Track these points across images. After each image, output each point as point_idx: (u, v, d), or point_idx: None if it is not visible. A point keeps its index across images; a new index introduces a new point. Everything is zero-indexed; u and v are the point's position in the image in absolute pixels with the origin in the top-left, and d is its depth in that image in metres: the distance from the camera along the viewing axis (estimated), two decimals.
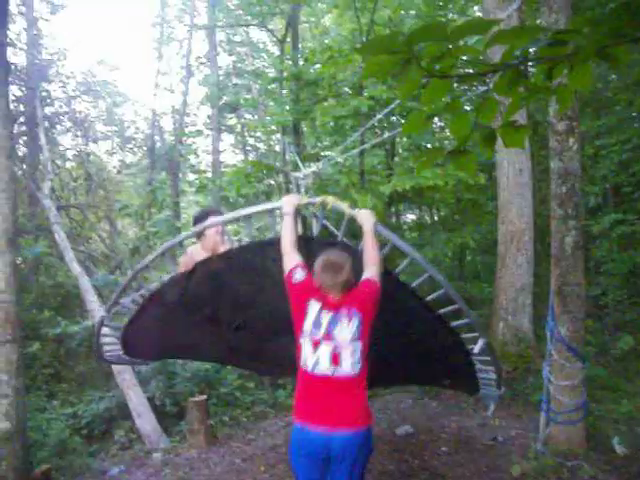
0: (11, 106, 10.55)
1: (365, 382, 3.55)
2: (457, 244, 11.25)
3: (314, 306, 3.54)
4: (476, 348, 4.34)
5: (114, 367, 9.12)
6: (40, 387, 9.85)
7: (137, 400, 8.71)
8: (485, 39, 1.57)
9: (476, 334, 4.25)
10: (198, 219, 5.32)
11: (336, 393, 3.45)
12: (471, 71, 1.73)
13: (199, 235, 5.39)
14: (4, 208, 6.36)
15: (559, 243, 5.51)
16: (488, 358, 4.51)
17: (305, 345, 3.51)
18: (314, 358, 3.47)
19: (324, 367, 3.45)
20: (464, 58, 1.62)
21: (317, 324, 3.49)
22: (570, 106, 4.98)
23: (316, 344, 3.47)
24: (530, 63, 1.70)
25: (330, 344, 3.46)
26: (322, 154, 12.78)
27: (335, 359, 3.45)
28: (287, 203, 3.87)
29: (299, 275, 3.61)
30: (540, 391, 6.24)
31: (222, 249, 4.74)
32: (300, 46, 13.79)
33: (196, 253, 5.08)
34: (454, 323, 4.25)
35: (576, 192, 5.41)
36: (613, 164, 10.36)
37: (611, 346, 9.14)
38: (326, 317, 3.50)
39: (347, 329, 3.48)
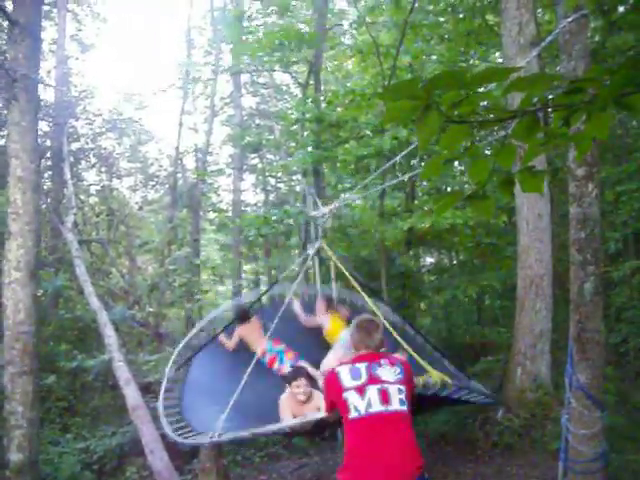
0: (39, 141, 10.80)
1: (412, 424, 3.54)
2: (479, 286, 11.21)
3: (343, 368, 3.63)
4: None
5: (129, 402, 9.10)
6: (54, 420, 9.84)
7: (150, 436, 8.65)
8: (504, 86, 1.62)
9: None
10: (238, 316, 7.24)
11: (391, 434, 3.40)
12: (489, 117, 1.76)
13: (243, 320, 7.26)
14: (28, 241, 6.48)
15: (578, 289, 5.47)
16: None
17: (350, 397, 3.49)
18: (365, 402, 3.44)
19: (376, 406, 3.42)
20: (483, 104, 1.66)
21: (355, 374, 3.55)
22: (588, 153, 5.00)
23: (362, 390, 3.47)
24: (549, 110, 1.73)
25: (376, 385, 3.48)
26: (342, 196, 12.88)
27: (385, 396, 3.44)
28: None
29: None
30: (558, 439, 6.12)
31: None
32: (323, 88, 14.00)
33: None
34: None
35: (595, 238, 5.38)
36: (634, 210, 10.31)
37: (631, 395, 8.97)
38: (362, 366, 3.57)
39: (390, 371, 3.55)
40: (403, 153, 6.31)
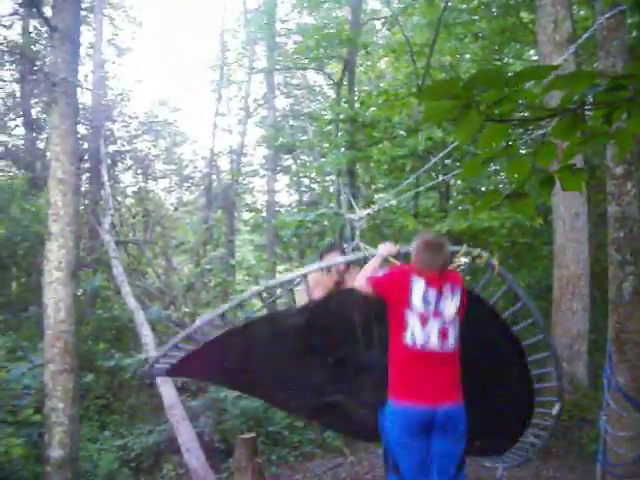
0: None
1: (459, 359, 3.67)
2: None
3: (419, 282, 3.59)
4: (554, 410, 4.42)
5: (165, 401, 9.21)
6: (92, 417, 9.98)
7: (186, 435, 8.74)
8: (543, 84, 1.61)
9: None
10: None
11: (440, 367, 3.55)
12: (529, 115, 1.76)
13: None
14: (69, 241, 6.60)
15: (617, 289, 5.39)
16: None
17: (412, 321, 3.54)
18: (424, 335, 3.52)
19: (434, 343, 3.53)
20: (521, 102, 1.65)
21: (426, 300, 3.56)
22: (629, 151, 4.93)
23: (425, 321, 3.53)
24: (588, 107, 1.72)
25: (438, 320, 3.54)
26: (376, 197, 12.86)
27: (444, 334, 3.54)
28: (383, 249, 4.04)
29: (378, 276, 3.75)
30: (596, 442, 6.04)
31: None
32: (356, 89, 14.00)
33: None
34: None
35: (634, 237, 5.31)
36: None
37: None
38: (432, 293, 3.57)
39: (451, 304, 3.59)
40: (440, 155, 6.27)
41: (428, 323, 3.51)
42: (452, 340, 3.55)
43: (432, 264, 3.59)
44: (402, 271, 3.69)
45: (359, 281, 3.80)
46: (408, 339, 3.53)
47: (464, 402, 3.62)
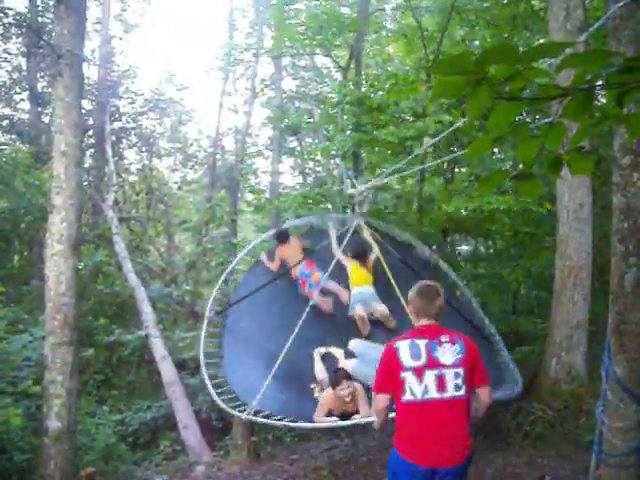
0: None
1: (469, 406, 3.56)
2: (516, 280, 11.07)
3: (403, 343, 3.57)
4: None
5: (164, 378, 9.25)
6: (91, 392, 10.05)
7: (184, 412, 8.80)
8: (555, 65, 1.58)
9: None
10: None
11: (442, 419, 3.46)
12: (539, 94, 1.73)
13: (282, 241, 7.99)
14: (70, 214, 6.59)
15: (618, 280, 5.36)
16: None
17: (408, 378, 3.49)
18: (422, 387, 3.47)
19: (432, 392, 3.46)
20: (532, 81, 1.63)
21: (415, 353, 3.51)
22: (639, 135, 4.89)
23: (420, 373, 3.48)
24: (599, 90, 1.69)
25: (434, 370, 3.48)
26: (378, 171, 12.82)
27: (441, 382, 3.47)
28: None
29: (376, 380, 3.71)
30: (591, 432, 6.04)
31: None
32: (363, 73, 13.89)
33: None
34: None
35: (639, 228, 5.28)
36: None
37: None
38: (422, 343, 3.54)
39: (450, 351, 3.52)
40: (443, 134, 6.25)
41: (424, 374, 3.49)
42: (452, 389, 3.47)
43: (426, 310, 3.63)
44: (386, 350, 3.65)
45: (373, 413, 3.79)
46: (408, 396, 3.48)
47: (467, 459, 3.54)
